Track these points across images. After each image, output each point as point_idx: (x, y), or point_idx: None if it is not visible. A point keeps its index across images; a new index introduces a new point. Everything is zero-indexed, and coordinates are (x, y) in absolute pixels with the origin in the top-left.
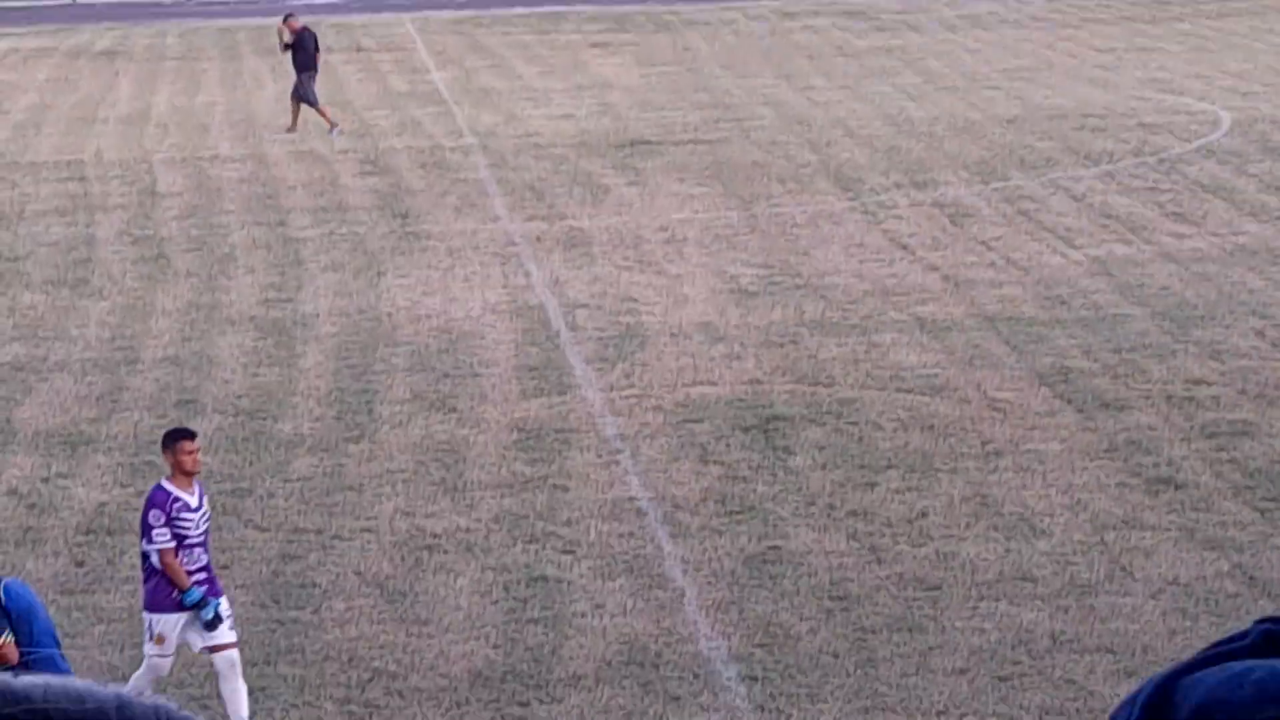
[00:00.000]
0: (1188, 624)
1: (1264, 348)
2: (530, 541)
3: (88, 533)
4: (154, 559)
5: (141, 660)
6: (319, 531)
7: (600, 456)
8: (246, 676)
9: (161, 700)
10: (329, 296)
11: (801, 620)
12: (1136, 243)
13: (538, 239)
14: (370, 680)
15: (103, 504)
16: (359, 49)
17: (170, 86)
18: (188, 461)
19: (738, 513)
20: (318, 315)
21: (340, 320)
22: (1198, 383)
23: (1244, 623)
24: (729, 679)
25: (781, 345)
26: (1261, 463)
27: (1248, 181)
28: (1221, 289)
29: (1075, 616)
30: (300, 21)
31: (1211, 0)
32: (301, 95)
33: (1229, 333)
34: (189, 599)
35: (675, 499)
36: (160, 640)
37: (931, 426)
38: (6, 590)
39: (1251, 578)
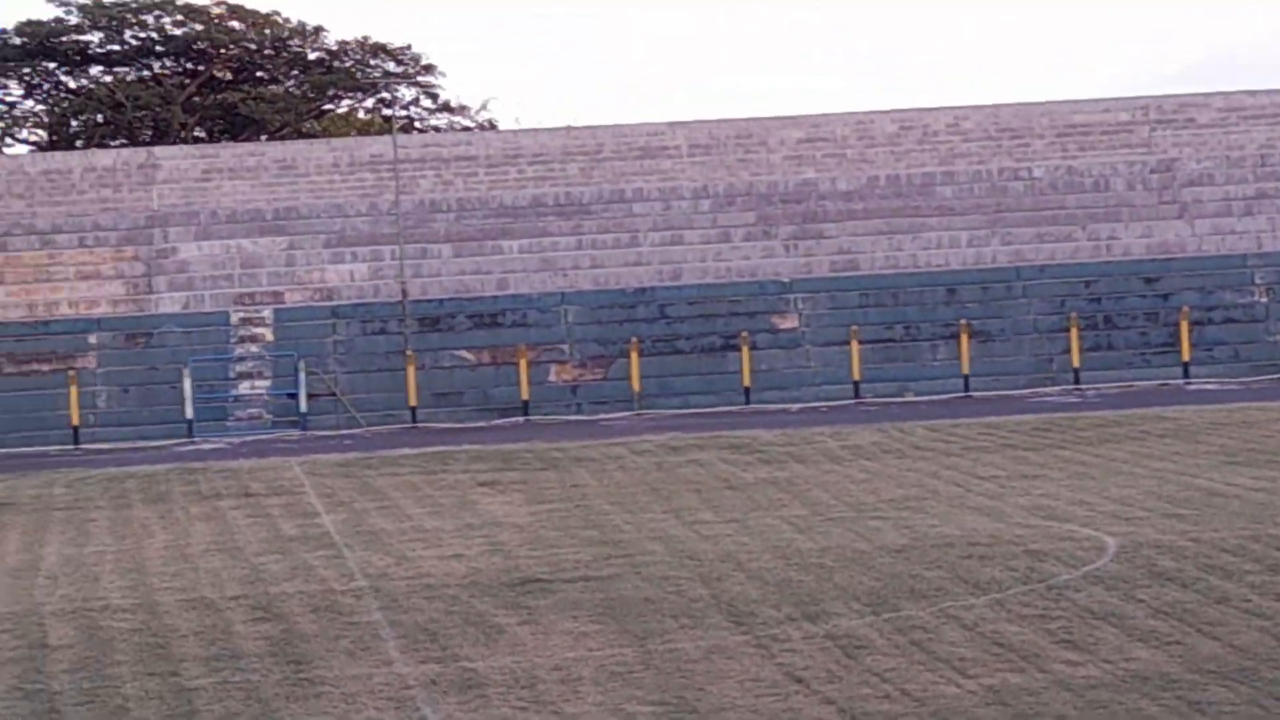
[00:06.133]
0: None
1: None
2: None
3: None
4: None
5: None
6: None
7: None
8: None
9: None
10: None
11: None
12: (1030, 671)
13: (432, 682)
14: None
15: None
16: (247, 494)
17: (59, 536)
18: None
19: None
20: None
21: None
22: None
23: None
24: None
25: None
26: None
27: (1136, 607)
28: (1116, 715)
29: None
30: None
31: (1091, 427)
32: None
33: None
34: None
35: None
36: None
37: None
38: None
39: None
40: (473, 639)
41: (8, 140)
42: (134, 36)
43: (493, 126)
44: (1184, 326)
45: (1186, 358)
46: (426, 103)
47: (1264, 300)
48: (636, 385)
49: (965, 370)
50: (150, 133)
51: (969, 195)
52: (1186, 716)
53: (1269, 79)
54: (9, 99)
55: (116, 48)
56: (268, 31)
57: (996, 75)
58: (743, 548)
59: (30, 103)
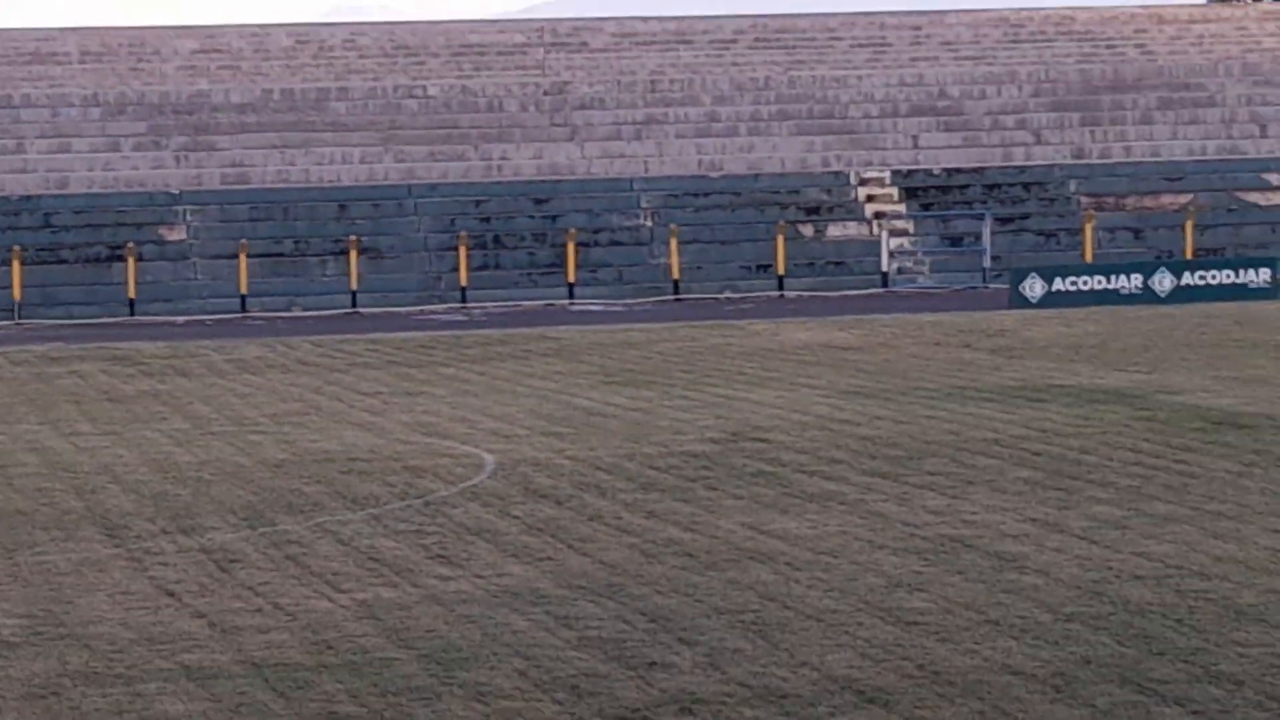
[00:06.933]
0: None
1: (527, 688)
2: None
3: None
4: None
5: None
6: None
7: None
8: None
9: None
10: None
11: None
12: (402, 585)
13: None
14: None
15: None
16: None
17: None
18: None
19: None
20: None
21: None
22: None
23: None
24: None
25: (44, 698)
26: None
27: (510, 523)
28: (485, 629)
29: None
30: None
31: (476, 345)
32: None
33: (493, 674)
34: None
35: None
36: None
37: None
38: None
39: None
40: None
41: None
42: None
43: None
44: (571, 248)
45: (572, 279)
46: None
47: (649, 224)
48: (18, 295)
49: (354, 286)
50: None
51: (363, 112)
52: (554, 631)
53: (661, 5)
54: None
55: None
56: None
57: None
58: (119, 460)
59: None
